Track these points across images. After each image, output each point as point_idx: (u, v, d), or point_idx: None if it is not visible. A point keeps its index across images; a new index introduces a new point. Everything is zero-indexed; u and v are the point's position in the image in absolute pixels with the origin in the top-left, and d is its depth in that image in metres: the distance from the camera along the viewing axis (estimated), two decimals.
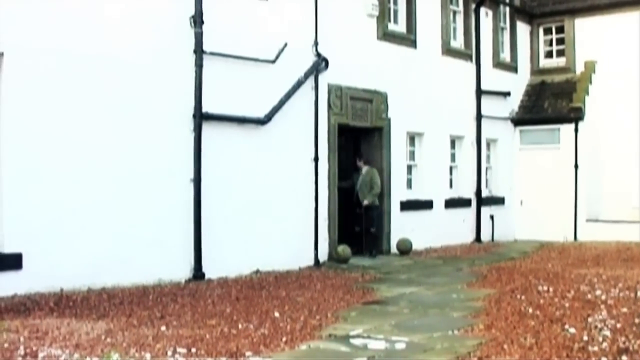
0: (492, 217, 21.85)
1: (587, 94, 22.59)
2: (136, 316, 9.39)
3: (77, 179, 11.34)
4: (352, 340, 8.35)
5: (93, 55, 11.57)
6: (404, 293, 11.96)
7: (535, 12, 24.18)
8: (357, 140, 17.77)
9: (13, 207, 10.52)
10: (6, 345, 7.53)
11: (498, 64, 22.59)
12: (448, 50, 20.32)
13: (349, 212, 16.85)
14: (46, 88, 10.99)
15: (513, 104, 23.27)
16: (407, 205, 18.43)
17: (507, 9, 23.22)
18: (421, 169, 19.28)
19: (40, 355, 7.19)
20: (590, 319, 9.23)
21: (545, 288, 11.95)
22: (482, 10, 21.58)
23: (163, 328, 8.66)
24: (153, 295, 10.92)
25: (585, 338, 8.08)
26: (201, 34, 13.02)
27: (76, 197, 11.30)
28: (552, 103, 23.18)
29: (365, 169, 17.16)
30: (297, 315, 9.67)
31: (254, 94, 14.11)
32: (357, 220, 17.12)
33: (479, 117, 21.32)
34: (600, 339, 8.05)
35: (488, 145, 22.28)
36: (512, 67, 23.39)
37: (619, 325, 8.80)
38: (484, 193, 21.71)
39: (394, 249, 17.62)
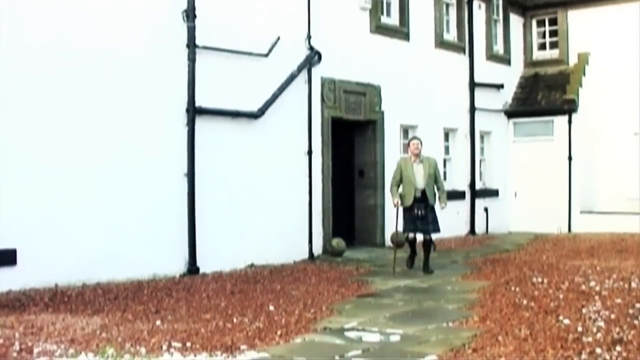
0: (486, 210, 21.88)
1: (581, 85, 22.62)
2: (131, 311, 9.39)
3: (71, 175, 11.32)
4: (347, 333, 8.36)
5: (85, 50, 11.54)
6: (399, 286, 11.99)
7: (528, 4, 24.17)
8: (351, 133, 17.76)
9: (7, 203, 10.47)
10: (1, 341, 7.52)
11: (491, 56, 22.59)
12: (441, 43, 20.31)
13: (343, 206, 16.86)
14: (39, 83, 10.95)
15: (506, 96, 23.28)
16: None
17: (500, 1, 23.17)
18: None
19: (36, 350, 7.19)
20: (584, 310, 9.25)
21: (540, 280, 11.98)
22: (475, 2, 21.57)
23: (158, 322, 8.66)
24: (148, 290, 10.92)
25: (580, 329, 8.09)
26: (194, 28, 12.99)
27: (70, 193, 11.28)
28: (545, 95, 23.20)
29: (422, 157, 13.67)
30: (292, 308, 9.68)
31: (247, 88, 14.10)
32: (412, 224, 13.52)
33: (472, 109, 21.34)
34: (595, 329, 8.07)
35: (482, 137, 22.29)
36: (506, 60, 23.39)
37: (613, 316, 8.83)
38: (478, 185, 21.75)
39: (388, 242, 17.63)
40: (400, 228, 13.67)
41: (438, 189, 13.64)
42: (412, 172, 13.40)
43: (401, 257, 13.76)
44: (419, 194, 13.33)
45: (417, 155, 13.55)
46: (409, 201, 13.35)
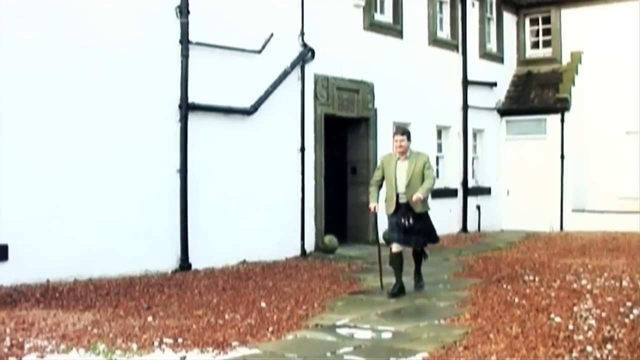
0: (478, 208, 21.90)
1: (573, 84, 22.66)
2: (123, 307, 9.38)
3: (63, 170, 11.31)
4: (339, 330, 8.36)
5: (78, 46, 11.52)
6: (391, 283, 11.93)
7: (521, 2, 24.19)
8: (344, 130, 17.75)
9: None
10: None
11: (484, 54, 22.61)
12: (434, 41, 20.31)
13: (335, 203, 16.85)
14: (32, 79, 10.94)
15: (499, 95, 23.29)
16: None
17: None
18: None
19: (27, 346, 7.18)
20: (575, 308, 9.28)
21: (532, 278, 12.01)
22: (469, 0, 21.57)
23: (150, 319, 8.66)
24: (140, 286, 10.91)
25: (571, 327, 8.12)
26: (187, 24, 12.98)
27: (63, 188, 11.27)
28: (538, 93, 23.23)
29: (412, 153, 11.14)
30: (283, 305, 9.68)
31: (240, 84, 14.08)
32: (396, 233, 11.04)
33: (465, 107, 21.35)
34: (586, 328, 8.09)
35: (474, 135, 22.29)
36: (499, 58, 23.41)
37: (604, 315, 8.85)
38: (471, 183, 21.76)
39: (380, 239, 17.59)
40: (381, 238, 11.51)
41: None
42: (395, 171, 10.95)
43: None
44: (403, 199, 10.84)
45: (403, 153, 11.05)
46: (390, 207, 10.95)
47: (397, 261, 11.03)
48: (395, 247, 11.01)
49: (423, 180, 10.80)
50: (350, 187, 18.06)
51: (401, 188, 10.83)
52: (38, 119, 11.01)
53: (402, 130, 11.15)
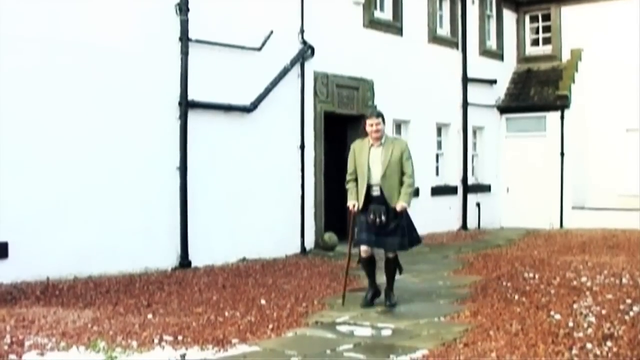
0: (478, 205, 21.90)
1: (573, 81, 22.65)
2: (123, 304, 9.38)
3: (63, 168, 11.29)
4: (339, 327, 8.37)
5: (77, 44, 11.50)
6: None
7: (521, 0, 24.20)
8: (344, 127, 17.73)
9: None
10: None
11: (484, 51, 22.60)
12: (434, 38, 20.31)
13: (335, 200, 16.84)
14: (31, 77, 10.92)
15: (499, 92, 23.28)
16: None
17: None
18: None
19: (27, 344, 7.18)
20: (575, 306, 9.28)
21: (531, 275, 12.02)
22: None
23: (150, 316, 8.66)
24: (139, 284, 10.91)
25: (571, 324, 8.12)
26: (187, 21, 12.97)
27: (62, 186, 11.26)
28: (538, 91, 23.22)
29: (387, 139, 9.76)
30: (283, 302, 9.68)
31: (240, 82, 14.07)
32: (365, 234, 9.56)
33: (465, 104, 21.34)
34: (586, 325, 8.09)
35: (474, 132, 22.30)
36: (499, 55, 23.40)
37: (604, 312, 8.85)
38: (470, 180, 21.75)
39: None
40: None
41: (403, 183, 9.57)
42: (367, 159, 9.52)
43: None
44: (376, 192, 9.47)
45: (379, 139, 9.57)
46: (361, 200, 9.51)
47: (368, 266, 9.84)
48: (364, 251, 9.65)
49: (401, 170, 9.55)
50: None
51: (375, 179, 9.47)
52: (38, 116, 11.00)
53: (377, 113, 9.68)
